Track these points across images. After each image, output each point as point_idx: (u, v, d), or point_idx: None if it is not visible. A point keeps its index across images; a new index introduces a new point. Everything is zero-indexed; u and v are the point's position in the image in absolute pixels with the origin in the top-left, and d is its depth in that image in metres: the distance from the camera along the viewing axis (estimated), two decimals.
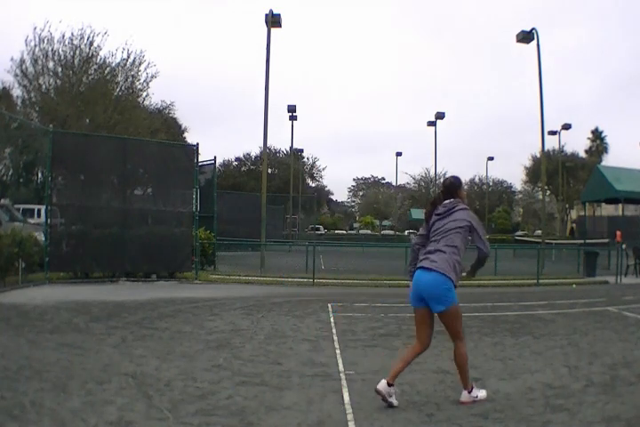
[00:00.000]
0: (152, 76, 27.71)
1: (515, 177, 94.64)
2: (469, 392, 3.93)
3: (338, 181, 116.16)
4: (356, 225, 71.51)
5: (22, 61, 24.79)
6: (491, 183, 61.83)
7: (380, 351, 5.68)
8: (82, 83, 25.71)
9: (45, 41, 24.68)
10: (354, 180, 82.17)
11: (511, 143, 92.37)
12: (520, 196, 64.69)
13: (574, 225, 44.56)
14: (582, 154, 54.54)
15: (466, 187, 68.21)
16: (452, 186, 4.14)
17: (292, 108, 36.75)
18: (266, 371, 4.76)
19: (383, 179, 78.52)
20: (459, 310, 3.94)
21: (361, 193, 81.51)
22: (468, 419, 3.63)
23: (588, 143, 55.72)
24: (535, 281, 13.86)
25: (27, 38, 24.57)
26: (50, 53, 24.91)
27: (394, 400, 3.82)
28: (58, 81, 25.61)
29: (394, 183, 59.78)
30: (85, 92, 25.30)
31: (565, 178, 47.58)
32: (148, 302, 8.76)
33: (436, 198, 4.16)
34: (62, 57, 25.14)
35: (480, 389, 4.04)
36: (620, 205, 21.35)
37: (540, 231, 31.96)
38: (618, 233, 22.94)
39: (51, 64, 25.20)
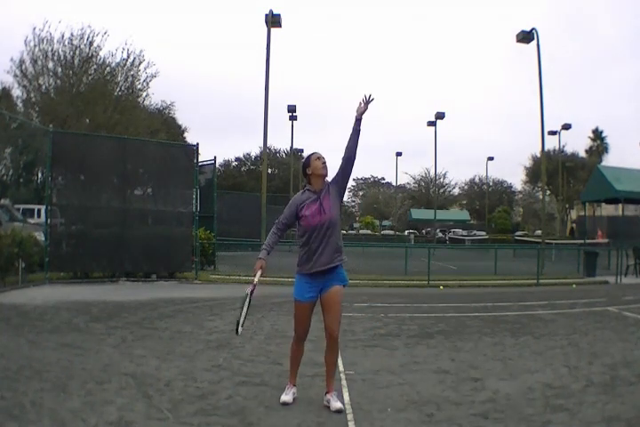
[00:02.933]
0: (152, 76, 27.79)
1: (515, 177, 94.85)
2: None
3: None
4: (356, 225, 71.46)
5: (22, 62, 24.84)
6: (491, 183, 61.82)
7: (380, 351, 5.68)
8: (82, 83, 25.73)
9: (45, 41, 24.74)
10: (354, 180, 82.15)
11: (511, 143, 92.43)
12: (520, 196, 64.71)
13: (574, 225, 44.57)
14: (582, 154, 54.62)
15: (466, 187, 68.71)
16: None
17: (292, 109, 36.70)
18: (266, 371, 4.76)
19: (383, 179, 78.62)
20: (295, 305, 4.02)
21: (361, 193, 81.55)
22: (467, 419, 3.63)
23: (588, 143, 55.82)
24: (535, 281, 13.86)
25: (26, 39, 24.64)
26: (49, 54, 24.93)
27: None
28: (58, 81, 25.62)
29: (394, 183, 59.84)
30: (85, 92, 25.31)
31: (565, 178, 47.57)
32: (148, 302, 8.76)
33: None
34: (62, 57, 25.16)
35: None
36: (620, 205, 21.34)
37: (540, 231, 31.95)
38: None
39: (50, 64, 25.23)
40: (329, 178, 3.98)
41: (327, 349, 3.97)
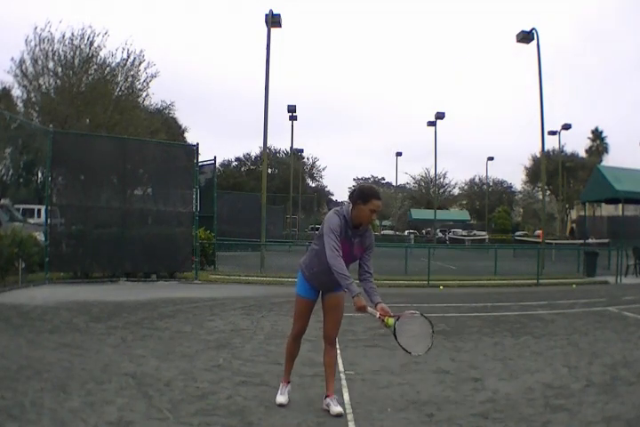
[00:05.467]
0: (152, 76, 27.72)
1: (515, 177, 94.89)
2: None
3: (338, 181, 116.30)
4: None
5: (22, 61, 24.80)
6: (491, 183, 61.76)
7: (379, 351, 5.68)
8: (82, 83, 25.69)
9: (45, 41, 24.67)
10: (354, 180, 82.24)
11: (511, 143, 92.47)
12: (520, 196, 64.67)
13: (574, 225, 44.54)
14: (582, 154, 54.61)
15: (465, 187, 68.83)
16: (351, 194, 3.78)
17: (291, 109, 36.70)
18: (266, 371, 4.77)
19: (383, 179, 78.64)
20: (296, 299, 3.97)
21: None
22: (467, 419, 3.63)
23: (588, 143, 55.82)
24: (535, 281, 13.86)
25: (27, 38, 24.60)
26: (50, 53, 24.89)
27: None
28: (58, 81, 25.58)
29: (394, 183, 59.87)
30: (85, 92, 25.27)
31: (565, 178, 47.54)
32: (148, 302, 8.76)
33: None
34: (62, 57, 25.12)
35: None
36: (620, 205, 21.33)
37: (539, 231, 31.92)
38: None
39: (51, 64, 25.19)
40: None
41: (325, 351, 3.97)
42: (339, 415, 3.69)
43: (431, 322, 3.61)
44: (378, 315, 3.53)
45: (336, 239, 3.58)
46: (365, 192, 3.67)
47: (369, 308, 3.54)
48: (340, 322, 4.00)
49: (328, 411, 3.74)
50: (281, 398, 3.87)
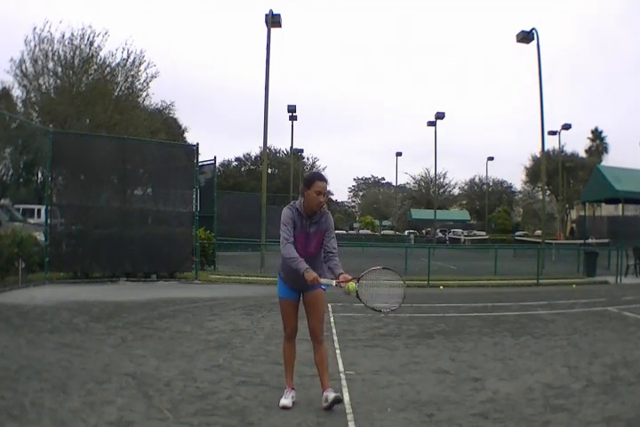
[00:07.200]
0: (152, 77, 27.73)
1: (515, 177, 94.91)
2: None
3: (338, 181, 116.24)
4: (356, 225, 71.51)
5: (22, 62, 24.81)
6: (491, 183, 61.81)
7: (379, 351, 5.68)
8: (82, 83, 25.70)
9: (45, 41, 24.70)
10: (354, 180, 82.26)
11: (511, 143, 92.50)
12: (520, 196, 64.68)
13: (574, 225, 44.55)
14: (582, 154, 54.62)
15: (465, 187, 69.11)
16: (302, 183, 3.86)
17: (291, 109, 36.67)
18: (266, 371, 4.76)
19: (383, 179, 78.65)
20: (280, 302, 4.03)
21: (361, 193, 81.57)
22: (467, 419, 3.63)
23: (587, 143, 55.83)
24: (535, 281, 13.86)
25: (26, 38, 24.61)
26: (50, 54, 24.90)
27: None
28: (58, 81, 25.59)
29: (394, 183, 59.87)
30: (85, 92, 25.27)
31: (565, 178, 47.52)
32: (148, 302, 8.76)
33: None
34: (62, 57, 25.13)
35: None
36: (620, 205, 21.33)
37: (539, 231, 31.93)
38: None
39: (51, 64, 25.20)
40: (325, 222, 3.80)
41: (314, 351, 3.98)
42: (338, 400, 3.71)
43: (396, 271, 3.66)
44: (334, 282, 3.57)
45: (287, 230, 3.70)
46: (308, 177, 3.86)
47: (321, 279, 3.59)
48: (321, 317, 4.00)
49: (328, 410, 3.74)
50: (285, 401, 3.86)
